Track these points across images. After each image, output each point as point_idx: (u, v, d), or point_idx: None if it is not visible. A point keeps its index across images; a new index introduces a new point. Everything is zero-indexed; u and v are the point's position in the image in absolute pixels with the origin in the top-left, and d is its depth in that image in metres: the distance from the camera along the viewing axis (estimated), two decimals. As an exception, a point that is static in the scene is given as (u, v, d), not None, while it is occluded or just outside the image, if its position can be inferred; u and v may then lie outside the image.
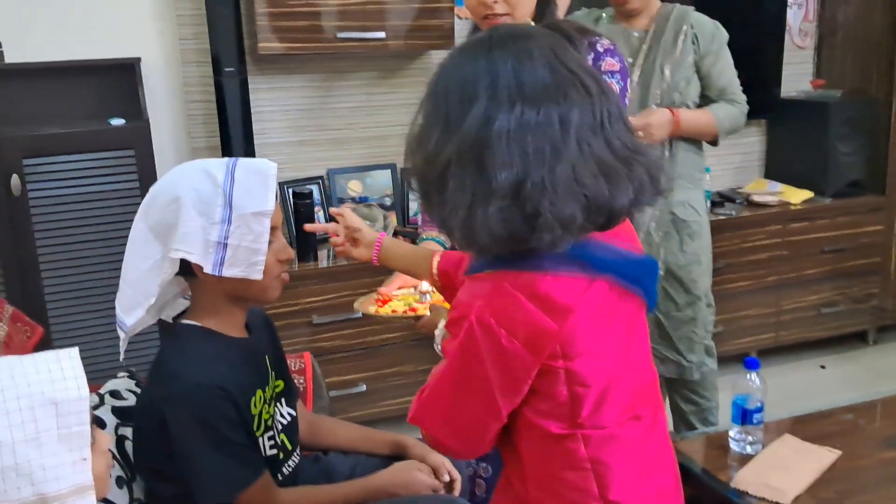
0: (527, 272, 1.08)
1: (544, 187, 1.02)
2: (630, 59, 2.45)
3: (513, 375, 1.10)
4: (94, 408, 1.61)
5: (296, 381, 1.94)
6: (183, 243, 1.41)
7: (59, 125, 2.73)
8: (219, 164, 1.47)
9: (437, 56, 3.23)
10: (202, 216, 1.41)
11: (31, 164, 2.55)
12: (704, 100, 2.52)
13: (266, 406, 1.55)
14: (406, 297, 1.74)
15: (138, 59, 2.84)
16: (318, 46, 2.90)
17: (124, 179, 2.64)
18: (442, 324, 1.45)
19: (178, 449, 1.41)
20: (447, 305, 1.61)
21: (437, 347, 1.49)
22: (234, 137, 2.91)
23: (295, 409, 1.71)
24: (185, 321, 1.52)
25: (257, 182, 1.45)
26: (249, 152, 2.94)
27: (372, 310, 1.69)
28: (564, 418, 1.14)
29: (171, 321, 1.57)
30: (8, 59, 2.74)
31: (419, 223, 1.95)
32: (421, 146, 1.10)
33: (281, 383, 1.68)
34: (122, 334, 1.46)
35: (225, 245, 1.42)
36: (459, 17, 3.18)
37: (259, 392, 1.52)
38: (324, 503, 1.58)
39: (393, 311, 1.68)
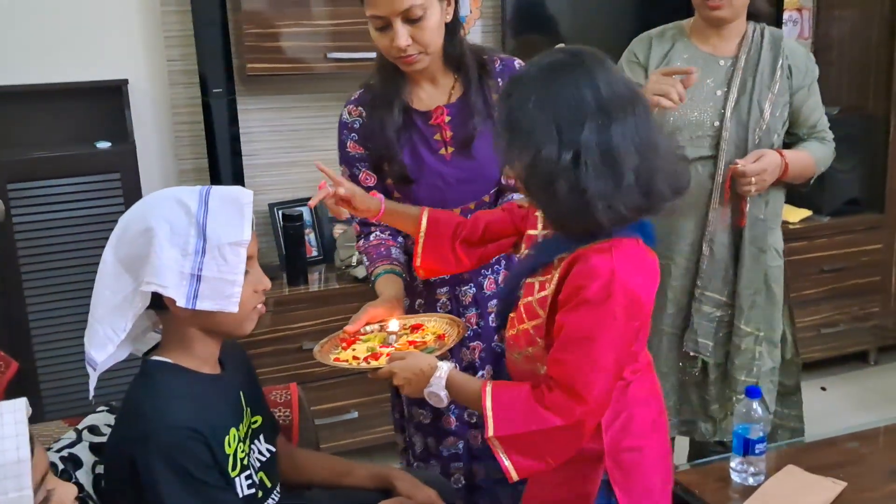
0: (627, 239, 1.34)
1: (654, 171, 1.31)
2: (718, 92, 2.13)
3: (640, 324, 1.37)
4: (71, 445, 1.55)
5: (280, 413, 1.88)
6: (155, 276, 1.35)
7: (44, 149, 2.68)
8: (192, 193, 1.41)
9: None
10: (175, 248, 1.36)
11: (15, 188, 2.51)
12: (790, 137, 2.24)
13: (241, 444, 1.48)
14: (371, 337, 1.66)
15: (125, 81, 2.80)
16: (308, 67, 2.86)
17: (110, 203, 2.59)
18: (445, 367, 1.43)
19: (149, 492, 1.34)
20: (408, 348, 1.57)
21: (434, 390, 1.43)
22: (222, 159, 2.86)
23: (275, 445, 1.65)
24: (154, 357, 1.45)
25: (232, 211, 1.40)
26: (237, 174, 2.89)
27: (329, 358, 1.59)
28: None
29: (141, 356, 1.51)
30: (-8, 83, 2.69)
31: (368, 258, 1.88)
32: (529, 155, 1.29)
33: (259, 419, 1.61)
34: (91, 371, 1.40)
35: (199, 277, 1.36)
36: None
37: (233, 431, 1.46)
38: None
39: (354, 358, 1.59)
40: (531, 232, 1.55)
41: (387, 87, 1.83)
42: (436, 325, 1.70)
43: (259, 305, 1.49)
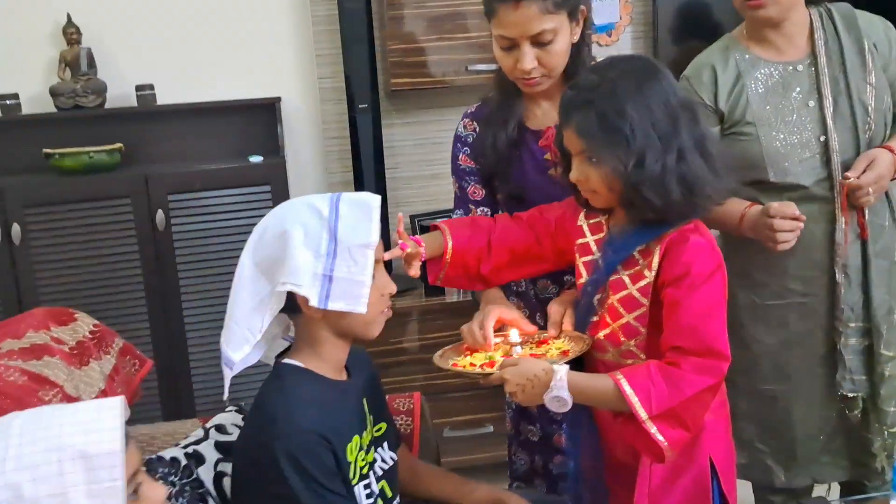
0: (699, 221, 1.48)
1: (726, 157, 1.53)
2: (811, 102, 1.87)
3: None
4: (197, 442, 1.63)
5: (402, 422, 1.88)
6: (291, 276, 1.40)
7: (202, 162, 2.87)
8: (323, 199, 1.46)
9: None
10: (309, 249, 1.41)
11: (175, 199, 2.68)
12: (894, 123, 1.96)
13: (362, 453, 1.50)
14: (495, 347, 1.62)
15: (278, 99, 2.93)
16: (449, 80, 2.88)
17: (261, 214, 2.60)
18: (563, 368, 1.42)
19: (275, 493, 1.38)
20: (524, 355, 1.54)
21: (557, 394, 1.40)
22: (366, 172, 2.93)
23: (396, 454, 1.65)
24: (286, 360, 1.50)
25: (361, 215, 1.44)
26: (380, 186, 2.95)
27: (448, 363, 1.57)
28: None
29: (272, 362, 1.56)
30: (160, 101, 2.91)
31: None
32: (631, 160, 1.39)
33: (383, 426, 1.62)
34: (227, 372, 1.46)
35: (331, 278, 1.41)
36: (599, 45, 3.08)
37: (356, 438, 1.48)
38: None
39: (471, 365, 1.56)
40: (582, 241, 1.60)
41: (503, 103, 1.80)
42: (561, 342, 1.64)
43: (385, 309, 1.52)
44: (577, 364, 1.59)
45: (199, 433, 1.67)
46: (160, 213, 2.66)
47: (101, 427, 0.94)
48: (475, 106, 1.89)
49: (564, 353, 1.56)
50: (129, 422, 1.90)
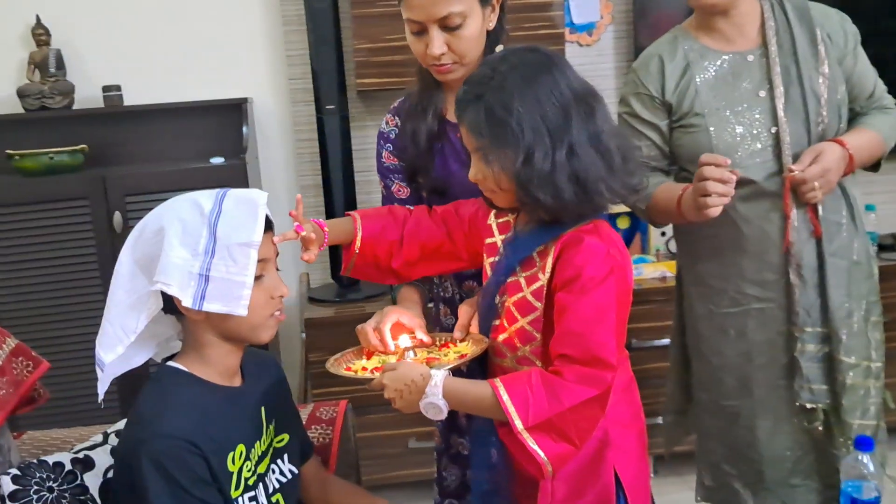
0: (602, 221, 1.41)
1: (630, 150, 1.45)
2: (761, 93, 1.78)
3: (629, 299, 1.41)
4: (92, 447, 1.57)
5: (321, 431, 1.80)
6: (162, 274, 1.34)
7: (167, 164, 2.83)
8: (209, 195, 1.40)
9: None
10: (185, 247, 1.34)
11: (132, 201, 2.65)
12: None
13: (249, 463, 1.42)
14: (397, 349, 1.54)
15: (245, 100, 2.89)
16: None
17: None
18: (440, 374, 1.33)
19: (140, 499, 1.31)
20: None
21: (431, 401, 1.31)
22: (334, 175, 2.87)
23: (299, 467, 1.57)
24: (169, 363, 1.43)
25: (245, 212, 1.37)
26: (349, 189, 2.89)
27: (341, 368, 1.48)
28: None
29: (159, 362, 1.49)
30: (130, 102, 2.88)
31: None
32: (520, 157, 1.32)
33: (285, 437, 1.55)
34: (99, 374, 1.40)
35: (207, 277, 1.34)
36: (580, 45, 2.98)
37: (240, 447, 1.40)
38: None
39: (363, 369, 1.48)
40: (490, 240, 1.53)
41: (423, 95, 1.73)
42: (465, 346, 1.55)
43: (276, 313, 1.44)
44: (481, 370, 1.52)
45: (98, 438, 1.61)
46: (118, 215, 2.63)
47: None
48: (398, 101, 1.81)
49: (462, 356, 1.48)
50: (35, 426, 1.86)
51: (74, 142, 2.77)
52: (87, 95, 2.89)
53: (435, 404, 1.33)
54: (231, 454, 1.38)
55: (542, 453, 1.29)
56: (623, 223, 3.12)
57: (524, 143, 1.31)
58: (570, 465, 1.41)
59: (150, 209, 2.69)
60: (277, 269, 1.47)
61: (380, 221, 1.61)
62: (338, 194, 2.87)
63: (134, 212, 2.64)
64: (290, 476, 1.54)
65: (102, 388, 1.39)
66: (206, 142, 2.93)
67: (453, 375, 1.37)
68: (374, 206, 2.89)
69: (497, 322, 1.47)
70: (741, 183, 1.74)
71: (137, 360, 1.46)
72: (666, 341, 2.65)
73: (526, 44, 1.42)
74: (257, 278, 1.38)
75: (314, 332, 2.72)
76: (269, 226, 1.42)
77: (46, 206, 2.65)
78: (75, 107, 2.87)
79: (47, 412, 2.47)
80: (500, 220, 1.55)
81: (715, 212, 1.58)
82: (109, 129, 2.91)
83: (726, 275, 1.84)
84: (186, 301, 1.33)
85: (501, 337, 1.46)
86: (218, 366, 1.43)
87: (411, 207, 1.77)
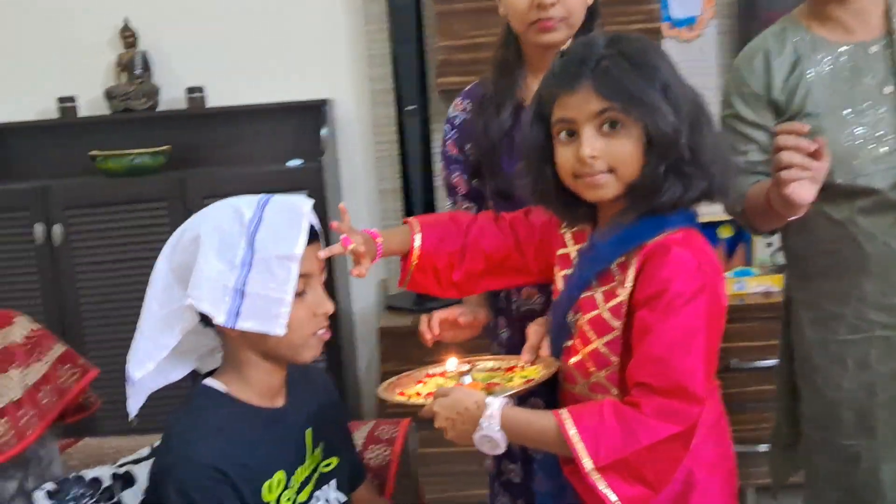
0: (692, 229, 1.24)
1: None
2: (886, 89, 1.55)
3: (723, 323, 1.25)
4: (136, 461, 1.52)
5: (379, 452, 1.68)
6: (195, 288, 1.24)
7: (244, 165, 2.79)
8: (250, 201, 1.30)
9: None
10: (221, 259, 1.24)
11: (210, 203, 2.61)
12: None
13: (290, 491, 1.32)
14: (451, 377, 1.41)
15: (324, 101, 2.82)
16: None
17: (294, 220, 2.60)
18: (497, 403, 1.19)
19: None
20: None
21: (487, 433, 1.17)
22: (413, 178, 2.77)
23: (348, 494, 1.45)
24: (207, 381, 1.34)
25: (286, 222, 1.26)
26: (428, 192, 2.78)
27: (393, 394, 1.36)
28: None
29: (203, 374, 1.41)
30: (212, 103, 2.87)
31: None
32: (676, 119, 1.18)
33: (333, 461, 1.43)
34: (129, 390, 1.32)
35: (242, 292, 1.23)
36: (679, 40, 2.78)
37: (279, 475, 1.30)
38: None
39: (417, 395, 1.35)
40: (562, 251, 1.38)
41: (501, 81, 1.59)
42: (534, 369, 1.40)
43: (320, 331, 1.32)
44: (550, 398, 1.36)
45: (145, 451, 1.55)
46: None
47: None
48: (472, 84, 1.68)
49: (528, 382, 1.33)
50: (94, 433, 1.83)
51: (158, 143, 2.77)
52: (173, 97, 2.89)
53: (491, 437, 1.18)
54: (268, 483, 1.28)
55: (613, 497, 1.13)
56: (725, 232, 2.88)
57: (679, 108, 1.17)
58: None
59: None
60: (326, 281, 1.36)
61: (440, 230, 1.47)
62: (417, 198, 2.77)
63: (210, 214, 2.61)
64: None
65: (134, 404, 1.31)
66: (287, 143, 2.88)
67: (516, 404, 1.23)
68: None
69: (569, 343, 1.31)
70: (863, 193, 1.52)
71: (176, 375, 1.37)
72: (769, 362, 2.42)
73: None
74: (300, 294, 1.27)
75: (389, 342, 2.61)
76: (315, 236, 1.31)
77: (127, 208, 2.65)
78: (160, 108, 2.88)
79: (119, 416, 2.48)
80: (576, 229, 1.38)
81: (798, 194, 1.30)
82: (192, 131, 2.90)
83: (845, 298, 1.59)
84: (219, 318, 1.23)
85: (573, 360, 1.30)
86: (258, 385, 1.33)
87: (474, 211, 1.64)
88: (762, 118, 1.61)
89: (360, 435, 1.72)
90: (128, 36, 2.87)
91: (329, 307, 1.33)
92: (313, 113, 2.84)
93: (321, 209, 2.60)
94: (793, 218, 1.41)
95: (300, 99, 2.88)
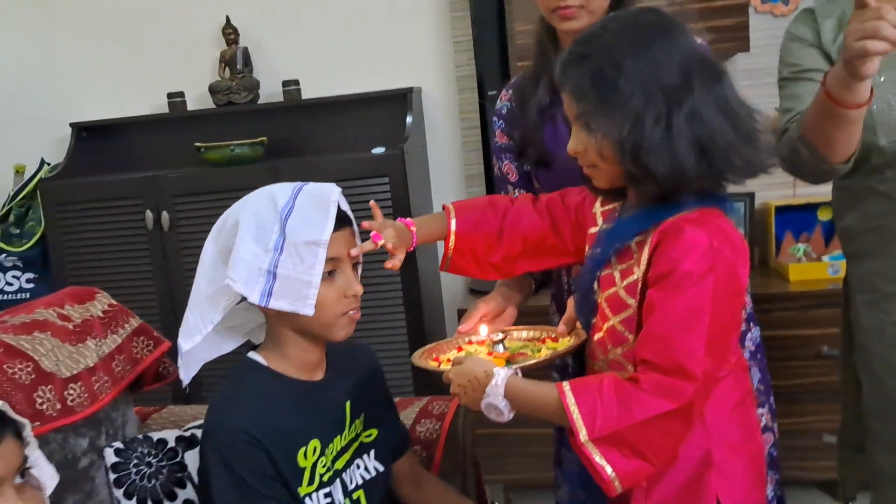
0: (712, 210, 1.22)
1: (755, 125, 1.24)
2: None
3: (740, 304, 1.25)
4: (200, 427, 1.63)
5: (429, 426, 1.74)
6: (231, 269, 1.34)
7: (336, 153, 2.92)
8: (286, 189, 1.39)
9: (737, 61, 2.74)
10: (257, 242, 1.33)
11: (300, 190, 2.75)
12: None
13: (325, 458, 1.40)
14: (483, 345, 1.46)
15: (409, 90, 2.90)
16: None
17: (379, 206, 2.69)
18: (503, 372, 1.24)
19: (209, 489, 1.35)
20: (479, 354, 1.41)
21: (491, 401, 1.22)
22: (495, 163, 2.80)
23: (387, 464, 1.53)
24: (250, 354, 1.45)
25: (316, 208, 1.34)
26: (508, 178, 2.80)
27: (426, 361, 1.42)
28: None
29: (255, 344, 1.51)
30: (306, 95, 3.01)
31: None
32: (630, 121, 1.17)
33: (374, 432, 1.51)
34: (179, 361, 1.44)
35: (275, 274, 1.32)
36: (773, 15, 2.67)
37: (314, 442, 1.38)
38: None
39: (448, 361, 1.40)
40: (593, 230, 1.40)
41: (537, 63, 1.63)
42: (566, 341, 1.43)
43: (351, 312, 1.40)
44: (580, 374, 1.39)
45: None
46: (285, 203, 2.75)
47: None
48: (517, 76, 1.72)
49: (553, 353, 1.37)
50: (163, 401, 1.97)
51: (256, 134, 2.94)
52: (271, 90, 3.06)
53: (494, 405, 1.22)
54: (303, 449, 1.37)
55: (609, 468, 1.14)
56: (825, 215, 2.75)
57: (632, 105, 1.15)
58: (665, 487, 1.26)
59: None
60: (359, 264, 1.43)
61: (476, 213, 1.51)
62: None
63: (300, 200, 2.75)
64: (374, 473, 1.49)
65: (186, 373, 1.43)
66: (375, 132, 2.99)
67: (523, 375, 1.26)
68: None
69: (594, 320, 1.33)
70: None
71: (227, 347, 1.48)
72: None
73: (645, 6, 1.28)
74: (329, 276, 1.35)
75: (469, 324, 2.67)
76: (347, 222, 1.39)
77: (227, 195, 2.78)
78: (260, 101, 3.05)
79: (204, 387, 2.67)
80: (606, 208, 1.40)
81: (870, 67, 1.25)
82: (288, 122, 3.06)
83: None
84: (253, 297, 1.33)
85: (596, 336, 1.32)
86: (296, 360, 1.42)
87: (516, 195, 1.67)
88: (817, 63, 1.56)
89: (412, 409, 1.79)
90: (229, 33, 3.06)
91: (357, 289, 1.39)
92: (400, 101, 2.93)
93: (403, 194, 2.70)
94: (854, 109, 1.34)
95: (389, 88, 2.97)
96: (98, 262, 2.92)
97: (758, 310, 2.48)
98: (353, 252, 1.38)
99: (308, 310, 1.32)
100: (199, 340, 1.40)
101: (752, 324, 1.67)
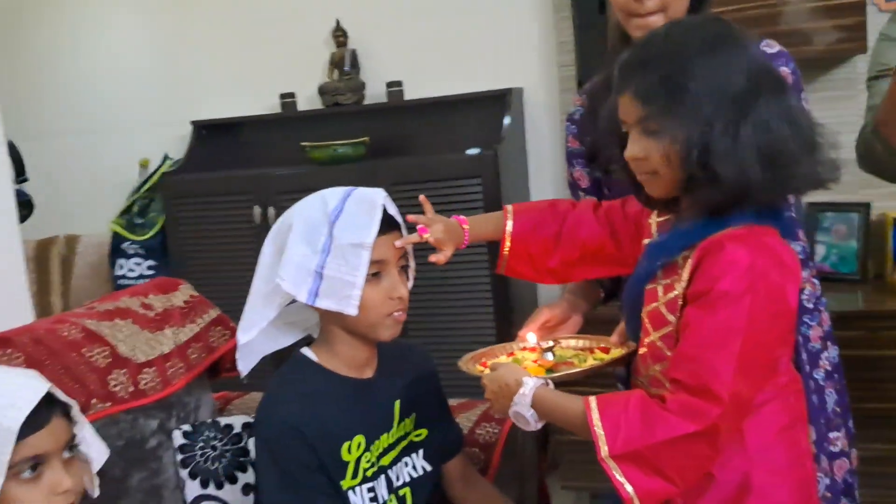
0: (762, 227, 1.18)
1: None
2: None
3: (785, 328, 1.21)
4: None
5: (488, 430, 1.75)
6: (282, 269, 1.40)
7: (435, 154, 2.96)
8: (337, 193, 1.43)
9: (853, 64, 2.58)
10: (307, 244, 1.39)
11: (397, 190, 2.80)
12: None
13: (369, 454, 1.44)
14: (533, 353, 1.45)
15: (508, 90, 2.90)
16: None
17: (470, 206, 2.72)
18: (532, 382, 1.24)
19: (258, 477, 1.41)
20: (527, 361, 1.41)
21: (518, 410, 1.23)
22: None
23: (436, 464, 1.55)
24: (301, 350, 1.50)
25: (362, 212, 1.38)
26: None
27: (469, 366, 1.41)
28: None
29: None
30: (407, 96, 3.07)
31: None
32: (698, 129, 1.14)
33: (423, 432, 1.54)
34: (237, 353, 1.51)
35: (321, 275, 1.38)
36: (880, 9, 2.48)
37: (358, 438, 1.42)
38: None
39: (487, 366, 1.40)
40: (647, 242, 1.36)
41: (609, 69, 1.58)
42: (618, 352, 1.41)
43: (396, 314, 1.42)
44: (628, 385, 1.37)
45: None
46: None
47: (13, 402, 1.05)
48: (591, 81, 1.70)
49: (602, 365, 1.36)
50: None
51: (361, 134, 3.03)
52: (375, 91, 3.14)
53: (521, 414, 1.23)
54: (347, 444, 1.40)
55: (629, 487, 1.12)
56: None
57: (704, 112, 1.13)
58: None
59: (411, 198, 2.83)
60: (409, 268, 1.46)
61: (535, 216, 1.51)
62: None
63: (398, 203, 2.80)
64: (422, 472, 1.52)
65: (244, 365, 1.51)
66: (474, 132, 3.01)
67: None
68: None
69: (641, 335, 1.30)
70: None
71: (285, 341, 1.55)
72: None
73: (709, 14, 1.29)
74: (376, 277, 1.38)
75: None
76: (395, 226, 1.42)
77: (329, 193, 2.93)
78: (366, 102, 3.14)
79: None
80: (661, 220, 1.37)
81: None
82: (390, 122, 3.13)
83: None
84: (301, 297, 1.38)
85: (641, 352, 1.29)
86: (345, 357, 1.46)
87: (578, 201, 1.65)
88: None
89: (474, 412, 1.80)
90: (339, 35, 3.16)
91: (402, 292, 1.41)
92: (499, 102, 2.94)
93: (495, 196, 2.70)
94: None
95: (489, 89, 2.98)
96: (211, 252, 3.10)
97: (868, 328, 2.36)
98: (398, 244, 1.40)
99: (352, 310, 1.36)
100: (255, 335, 1.47)
101: (829, 343, 1.57)
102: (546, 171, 3.05)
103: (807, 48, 2.44)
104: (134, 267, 3.27)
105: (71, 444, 1.13)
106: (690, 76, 1.14)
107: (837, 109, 2.55)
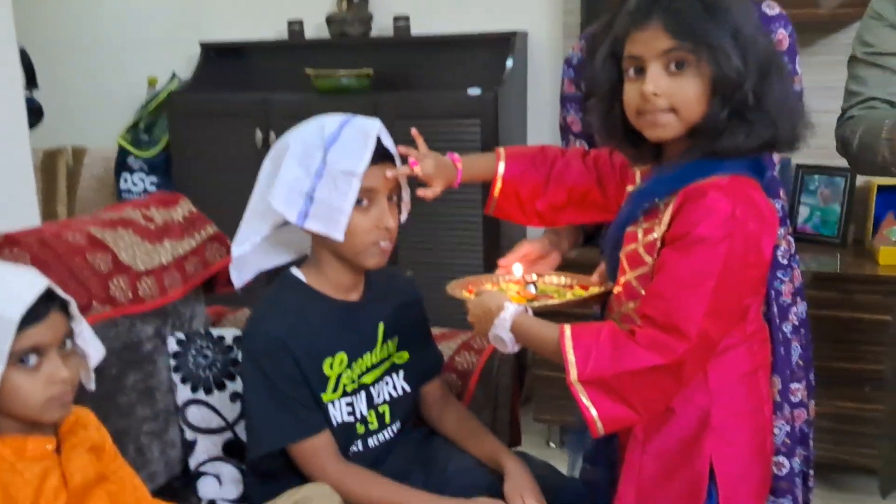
0: (744, 178, 1.22)
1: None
2: None
3: (758, 276, 1.27)
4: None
5: (468, 359, 1.84)
6: (273, 189, 1.46)
7: (436, 91, 3.00)
8: (335, 120, 1.48)
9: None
10: (301, 166, 1.44)
11: (398, 125, 2.86)
12: None
13: (350, 372, 1.52)
14: (516, 283, 1.53)
15: (513, 33, 2.93)
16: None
17: (467, 147, 2.75)
18: (513, 308, 1.31)
19: (243, 389, 1.51)
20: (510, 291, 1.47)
21: (497, 332, 1.31)
22: (590, 113, 2.80)
23: (415, 386, 1.64)
24: (291, 270, 1.56)
25: (357, 140, 1.43)
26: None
27: (457, 291, 1.49)
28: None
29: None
30: (414, 31, 3.09)
31: None
32: (743, 59, 1.18)
33: (405, 355, 1.63)
34: (230, 266, 1.58)
35: (312, 198, 1.43)
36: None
37: (340, 355, 1.50)
38: (381, 498, 1.47)
39: (470, 292, 1.48)
40: (630, 188, 1.40)
41: (613, 14, 1.62)
42: (595, 289, 1.49)
43: (383, 243, 1.48)
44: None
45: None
46: (380, 135, 2.87)
47: (12, 296, 1.11)
48: (590, 27, 1.73)
49: (572, 300, 1.44)
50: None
51: (365, 66, 3.06)
52: (383, 24, 3.16)
53: (500, 337, 1.31)
54: (329, 360, 1.49)
55: (593, 410, 1.20)
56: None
57: (748, 51, 1.17)
58: (662, 440, 1.30)
59: (408, 133, 2.83)
60: (402, 201, 1.52)
61: (525, 159, 1.56)
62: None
63: (397, 137, 2.85)
64: (401, 392, 1.60)
65: (238, 277, 1.59)
66: (477, 72, 3.05)
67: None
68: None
69: (618, 274, 1.38)
70: None
71: (280, 260, 1.62)
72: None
73: None
74: (364, 206, 1.44)
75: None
76: (390, 157, 1.47)
77: (330, 123, 2.98)
78: (373, 34, 3.16)
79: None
80: (644, 168, 1.42)
81: None
82: (395, 56, 3.16)
83: None
84: (291, 217, 1.44)
85: (615, 290, 1.37)
86: (332, 280, 1.52)
87: (577, 146, 1.71)
88: (894, 47, 1.53)
89: (455, 341, 1.89)
90: (349, -35, 3.17)
91: (389, 222, 1.47)
92: (503, 44, 2.97)
93: (492, 138, 2.75)
94: None
95: (495, 30, 3.01)
96: (212, 172, 3.17)
97: (842, 290, 2.44)
98: (389, 174, 1.45)
99: (338, 234, 1.42)
100: (248, 248, 1.54)
101: (798, 298, 1.65)
102: (545, 116, 3.09)
103: (811, 10, 2.47)
104: (138, 181, 3.33)
105: (69, 340, 1.20)
106: (727, 7, 1.18)
107: (839, 73, 2.58)
